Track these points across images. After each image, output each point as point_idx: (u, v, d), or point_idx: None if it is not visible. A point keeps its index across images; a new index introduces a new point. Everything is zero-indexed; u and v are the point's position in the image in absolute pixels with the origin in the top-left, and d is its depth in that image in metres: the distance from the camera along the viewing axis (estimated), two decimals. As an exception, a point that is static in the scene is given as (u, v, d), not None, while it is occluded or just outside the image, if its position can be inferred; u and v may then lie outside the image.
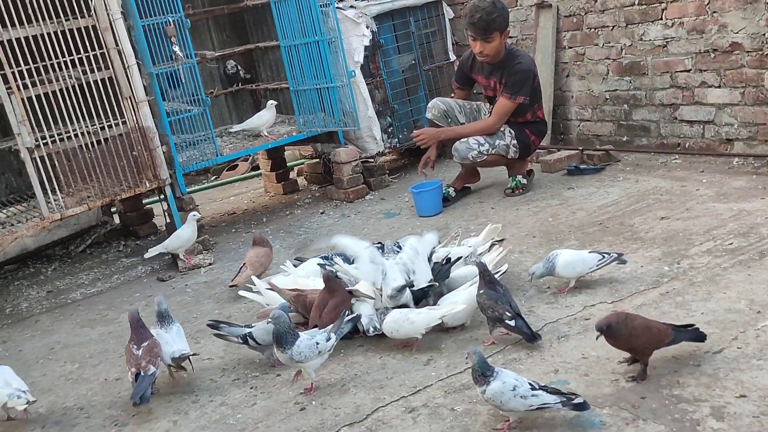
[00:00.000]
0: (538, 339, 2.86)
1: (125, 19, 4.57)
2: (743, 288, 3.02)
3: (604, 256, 3.24)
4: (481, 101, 5.20)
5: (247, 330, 3.13)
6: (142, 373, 2.90)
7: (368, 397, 2.77)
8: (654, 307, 3.00)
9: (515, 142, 4.83)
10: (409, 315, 3.05)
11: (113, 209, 6.02)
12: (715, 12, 4.66)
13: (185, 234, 4.59)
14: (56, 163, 4.39)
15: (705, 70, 4.81)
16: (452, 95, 5.25)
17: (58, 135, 4.37)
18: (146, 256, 4.66)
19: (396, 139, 5.97)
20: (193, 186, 7.45)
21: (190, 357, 3.12)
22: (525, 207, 4.60)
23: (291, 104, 5.73)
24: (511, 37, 6.07)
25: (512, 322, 2.85)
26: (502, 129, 4.83)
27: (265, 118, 5.56)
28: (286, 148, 6.48)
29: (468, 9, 4.75)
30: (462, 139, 4.81)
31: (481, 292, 2.95)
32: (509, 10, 5.62)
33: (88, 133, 4.47)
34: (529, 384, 2.38)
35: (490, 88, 4.93)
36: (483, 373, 2.39)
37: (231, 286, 4.00)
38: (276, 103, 5.62)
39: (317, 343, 2.82)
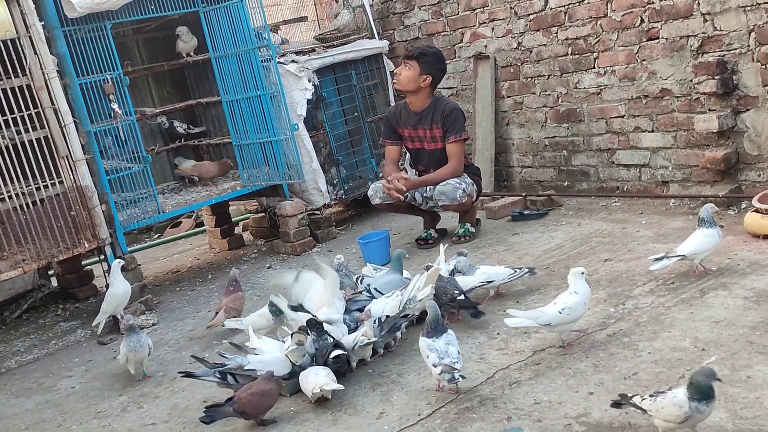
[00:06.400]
0: (482, 315, 3.41)
1: (61, 77, 4.50)
2: (687, 326, 3.07)
3: (516, 271, 3.73)
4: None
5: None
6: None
7: (320, 455, 2.68)
8: (602, 348, 3.02)
9: (472, 182, 4.90)
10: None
11: (51, 272, 5.81)
12: (644, 60, 4.85)
13: (119, 289, 4.36)
14: (-11, 225, 4.24)
15: (638, 116, 4.98)
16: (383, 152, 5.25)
17: (-9, 197, 4.23)
18: (98, 332, 4.42)
19: (342, 191, 5.96)
20: (135, 245, 7.27)
21: None
22: (472, 254, 4.61)
23: (235, 159, 5.69)
24: (450, 88, 6.22)
25: (461, 297, 3.43)
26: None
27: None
28: (230, 203, 6.41)
29: None
30: (443, 183, 4.78)
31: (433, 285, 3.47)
32: (448, 62, 5.76)
33: (23, 194, 4.33)
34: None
35: (418, 138, 4.98)
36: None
37: (208, 327, 4.12)
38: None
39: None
